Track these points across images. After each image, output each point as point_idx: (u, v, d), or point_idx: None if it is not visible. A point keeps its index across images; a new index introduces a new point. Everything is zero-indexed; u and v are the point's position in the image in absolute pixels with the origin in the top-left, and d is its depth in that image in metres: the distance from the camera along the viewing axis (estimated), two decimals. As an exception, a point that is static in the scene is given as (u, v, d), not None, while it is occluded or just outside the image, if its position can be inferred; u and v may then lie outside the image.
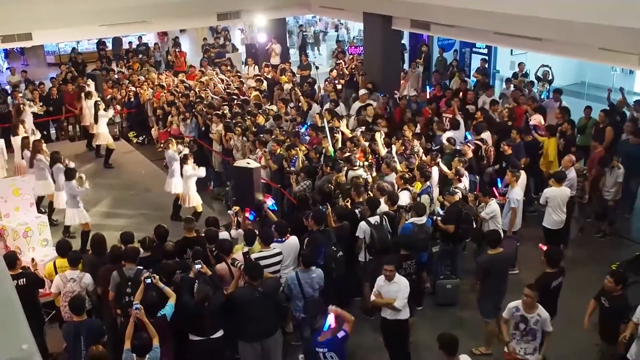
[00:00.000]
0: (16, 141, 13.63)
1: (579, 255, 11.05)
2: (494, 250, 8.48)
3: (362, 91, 15.99)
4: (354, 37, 26.56)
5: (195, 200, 12.20)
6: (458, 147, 11.85)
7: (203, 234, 8.97)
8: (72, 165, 12.21)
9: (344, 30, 27.92)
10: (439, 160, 11.25)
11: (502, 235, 10.19)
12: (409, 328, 8.12)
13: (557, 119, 13.46)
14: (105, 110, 15.71)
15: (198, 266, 7.59)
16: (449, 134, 12.69)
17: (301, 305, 8.12)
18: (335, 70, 18.60)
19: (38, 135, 14.49)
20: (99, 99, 16.23)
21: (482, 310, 8.66)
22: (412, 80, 18.26)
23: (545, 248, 8.36)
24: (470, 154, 11.56)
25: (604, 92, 15.05)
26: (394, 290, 7.76)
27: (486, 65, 18.77)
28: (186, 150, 12.66)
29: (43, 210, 12.14)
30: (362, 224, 9.13)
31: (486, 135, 12.56)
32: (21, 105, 15.57)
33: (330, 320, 6.83)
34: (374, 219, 9.17)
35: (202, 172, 12.23)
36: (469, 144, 11.92)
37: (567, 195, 10.53)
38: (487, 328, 8.67)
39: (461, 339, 8.69)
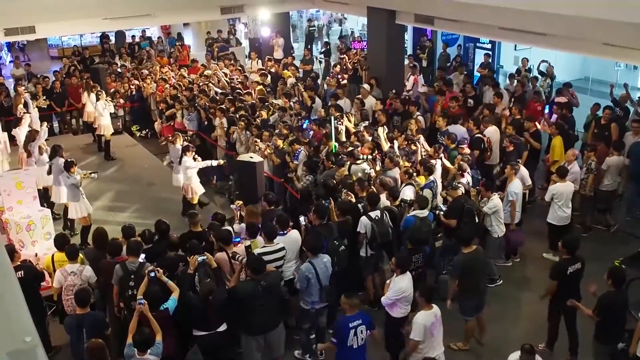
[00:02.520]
0: (18, 133, 13.68)
1: (581, 251, 11.02)
2: (468, 249, 8.38)
3: (362, 87, 15.93)
4: (352, 32, 26.53)
5: (194, 192, 12.21)
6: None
7: (206, 229, 9.01)
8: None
9: (347, 24, 27.88)
10: (442, 155, 11.23)
11: (505, 229, 10.28)
12: (399, 326, 8.03)
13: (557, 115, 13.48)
14: (106, 101, 15.80)
15: (203, 257, 7.60)
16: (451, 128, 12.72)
17: (318, 295, 8.10)
18: (338, 66, 18.55)
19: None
20: (100, 90, 16.21)
21: (461, 309, 8.63)
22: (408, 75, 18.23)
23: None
24: (467, 151, 11.54)
25: (608, 87, 15.02)
26: (390, 286, 7.81)
27: (490, 61, 18.76)
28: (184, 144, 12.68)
29: (57, 216, 12.12)
30: (363, 218, 9.13)
31: (492, 129, 12.54)
32: (26, 99, 15.66)
33: None
34: (374, 214, 9.17)
35: (201, 164, 12.19)
36: (464, 141, 11.88)
37: (572, 190, 10.59)
38: (466, 325, 8.69)
39: (462, 333, 8.79)
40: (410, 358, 7.36)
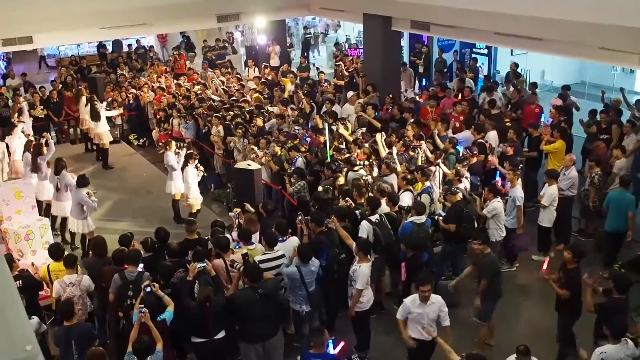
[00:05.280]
0: (11, 141, 13.64)
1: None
2: (487, 249, 8.48)
3: (349, 93, 15.96)
4: (347, 38, 26.59)
5: (195, 199, 12.18)
6: (460, 151, 11.85)
7: (207, 237, 9.00)
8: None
9: (341, 31, 27.97)
10: (439, 161, 11.23)
11: (506, 234, 10.29)
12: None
13: (554, 118, 13.50)
14: (107, 109, 15.85)
15: (202, 264, 7.59)
16: (458, 135, 12.76)
17: (304, 297, 8.12)
18: (322, 74, 18.56)
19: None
20: (96, 99, 16.26)
21: (484, 314, 8.57)
22: (404, 81, 18.26)
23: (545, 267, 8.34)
24: (473, 160, 11.56)
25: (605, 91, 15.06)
26: (431, 311, 7.41)
27: (477, 65, 18.91)
28: (184, 152, 12.67)
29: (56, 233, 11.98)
30: (364, 222, 9.12)
31: (492, 134, 12.57)
32: (22, 107, 15.63)
33: (335, 348, 6.81)
34: (374, 217, 9.18)
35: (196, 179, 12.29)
36: (470, 149, 11.87)
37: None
38: (481, 331, 8.66)
39: (462, 340, 8.76)
40: (355, 308, 8.16)
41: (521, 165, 11.48)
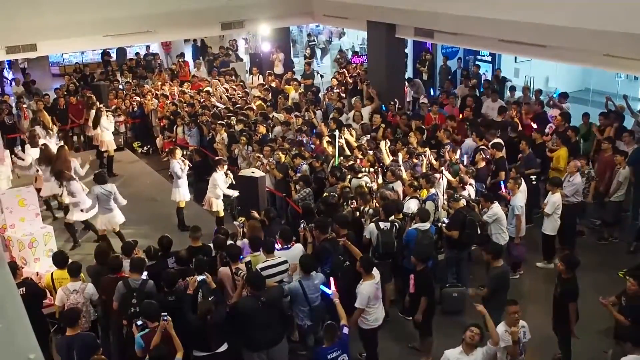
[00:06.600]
0: (35, 152, 13.67)
1: (584, 261, 10.99)
2: (499, 263, 8.47)
3: (354, 99, 15.97)
4: (352, 45, 26.63)
5: (218, 206, 12.16)
6: (464, 158, 11.84)
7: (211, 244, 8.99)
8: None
9: (345, 38, 28.00)
10: (442, 168, 11.22)
11: (508, 237, 10.25)
12: None
13: (558, 125, 13.46)
14: (107, 117, 15.87)
15: (202, 277, 7.55)
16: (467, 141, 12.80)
17: (306, 312, 8.02)
18: (335, 79, 18.57)
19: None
20: (101, 106, 16.33)
21: None
22: (414, 90, 18.26)
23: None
24: (482, 164, 11.55)
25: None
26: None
27: (479, 72, 18.93)
28: (187, 162, 12.74)
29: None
30: (371, 225, 9.16)
31: (498, 141, 12.54)
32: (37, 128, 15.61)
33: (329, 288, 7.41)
34: (384, 224, 9.16)
35: (234, 193, 12.02)
36: (484, 152, 11.85)
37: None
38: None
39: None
40: (362, 325, 8.04)
41: (533, 177, 11.52)
